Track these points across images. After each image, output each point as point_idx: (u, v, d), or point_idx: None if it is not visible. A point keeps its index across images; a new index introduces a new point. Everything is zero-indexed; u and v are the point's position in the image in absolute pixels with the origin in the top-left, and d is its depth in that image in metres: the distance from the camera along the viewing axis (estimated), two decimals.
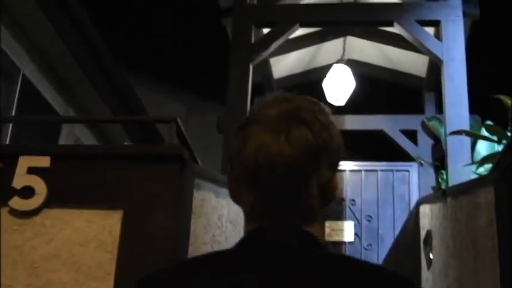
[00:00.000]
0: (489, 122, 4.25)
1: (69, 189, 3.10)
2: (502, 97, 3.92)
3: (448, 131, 5.11)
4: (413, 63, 7.46)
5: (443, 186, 5.26)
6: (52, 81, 6.91)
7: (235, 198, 1.31)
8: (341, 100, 7.00)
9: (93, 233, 3.04)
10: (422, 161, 6.55)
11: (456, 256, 4.58)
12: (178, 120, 3.29)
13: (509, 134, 3.59)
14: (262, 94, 7.87)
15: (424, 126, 7.21)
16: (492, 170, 3.43)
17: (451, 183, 4.85)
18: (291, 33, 5.84)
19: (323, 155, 1.22)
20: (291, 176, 1.19)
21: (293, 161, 1.18)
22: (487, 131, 4.22)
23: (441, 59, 5.43)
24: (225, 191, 4.38)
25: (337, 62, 7.26)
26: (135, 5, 10.10)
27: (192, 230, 3.45)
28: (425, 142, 7.25)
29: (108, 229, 3.03)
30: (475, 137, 4.49)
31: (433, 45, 5.49)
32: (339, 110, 7.62)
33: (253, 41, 5.69)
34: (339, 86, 6.94)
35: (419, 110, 7.64)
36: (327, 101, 7.22)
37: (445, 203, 5.01)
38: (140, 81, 10.13)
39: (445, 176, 5.31)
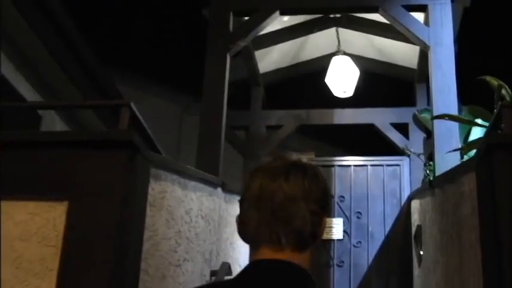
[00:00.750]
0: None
1: (10, 179, 2.85)
2: (488, 78, 3.65)
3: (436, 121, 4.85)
4: (404, 54, 7.19)
5: (431, 178, 4.98)
6: (29, 79, 6.65)
7: (241, 233, 1.56)
8: (349, 91, 6.80)
9: (36, 227, 2.80)
10: (409, 152, 6.26)
11: (443, 251, 4.32)
12: (132, 104, 3.03)
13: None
14: (248, 90, 7.62)
15: (416, 119, 6.92)
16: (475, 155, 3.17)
17: (439, 173, 4.58)
18: (271, 20, 5.58)
19: (310, 196, 1.50)
20: (286, 213, 1.47)
21: (288, 199, 1.48)
22: (470, 113, 3.95)
23: (428, 45, 5.17)
24: (194, 185, 4.12)
25: (335, 53, 7.05)
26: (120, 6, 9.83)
27: (149, 223, 3.20)
28: (417, 136, 6.99)
29: (52, 222, 2.79)
30: (458, 121, 4.22)
31: (419, 30, 5.24)
32: (328, 104, 7.37)
33: (231, 29, 5.43)
34: (343, 78, 6.72)
35: (410, 102, 7.37)
36: (323, 93, 6.98)
37: (433, 195, 4.76)
38: (134, 83, 9.92)
39: (432, 167, 5.04)
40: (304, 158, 1.64)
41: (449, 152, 4.14)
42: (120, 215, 2.76)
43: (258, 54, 7.23)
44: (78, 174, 2.82)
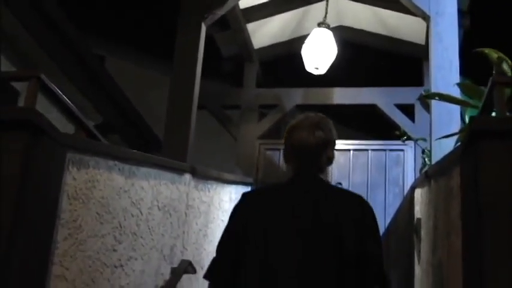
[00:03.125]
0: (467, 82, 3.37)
1: None
2: (487, 50, 3.05)
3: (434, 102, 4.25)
4: (411, 28, 6.57)
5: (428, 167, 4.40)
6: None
7: (287, 161, 2.57)
8: (322, 68, 6.11)
9: None
10: (405, 136, 5.63)
11: (435, 251, 3.76)
12: (43, 76, 2.48)
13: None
14: (241, 66, 7.06)
15: (422, 100, 6.27)
16: None
17: (434, 162, 4.00)
18: None
19: (328, 144, 2.51)
20: (313, 151, 2.48)
21: (314, 146, 2.47)
22: (462, 91, 3.35)
23: (428, 14, 4.55)
24: (146, 171, 3.58)
25: (319, 25, 6.31)
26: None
27: (67, 219, 2.66)
28: (423, 118, 6.32)
29: None
30: (450, 102, 3.60)
31: None
32: (327, 82, 6.78)
33: None
34: (319, 53, 6.04)
35: (417, 82, 6.73)
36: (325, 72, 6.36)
37: (430, 186, 4.19)
38: (137, 60, 9.46)
39: (429, 155, 4.45)
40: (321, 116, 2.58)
41: (442, 137, 3.54)
42: (13, 213, 2.23)
43: (252, 27, 6.65)
44: None
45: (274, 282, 2.26)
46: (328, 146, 2.50)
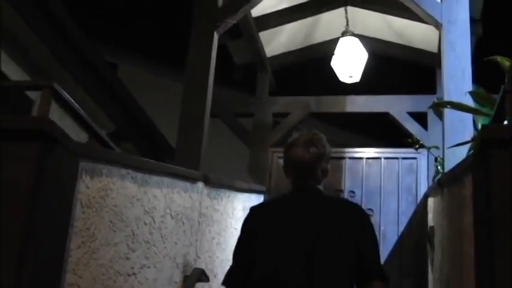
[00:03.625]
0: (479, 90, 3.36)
1: None
2: (499, 58, 3.05)
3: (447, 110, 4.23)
4: (424, 36, 6.55)
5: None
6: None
7: (287, 175, 2.86)
8: (356, 76, 6.14)
9: None
10: (417, 144, 5.59)
11: (449, 262, 3.74)
12: (56, 85, 2.50)
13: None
14: (254, 75, 7.07)
15: (435, 108, 6.24)
16: None
17: (447, 170, 3.98)
18: None
19: (322, 158, 2.79)
20: (308, 166, 2.77)
21: (309, 161, 2.76)
22: (474, 100, 3.33)
23: (440, 22, 4.53)
24: (159, 180, 3.60)
25: (343, 34, 6.36)
26: None
27: (80, 228, 2.68)
28: (436, 126, 6.31)
29: None
30: (462, 110, 3.59)
31: (430, 5, 4.59)
32: (340, 90, 6.78)
33: (220, 5, 4.87)
34: (350, 61, 6.07)
35: (430, 89, 6.70)
36: (336, 78, 6.37)
37: (442, 195, 4.17)
38: (143, 64, 9.48)
39: (442, 163, 4.43)
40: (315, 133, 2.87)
41: (454, 146, 3.53)
42: (26, 222, 2.25)
43: (264, 35, 6.66)
44: None
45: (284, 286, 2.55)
46: (322, 160, 2.79)
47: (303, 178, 2.78)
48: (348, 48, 6.18)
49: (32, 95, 5.85)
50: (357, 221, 2.68)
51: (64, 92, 2.52)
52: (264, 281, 2.58)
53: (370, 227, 2.71)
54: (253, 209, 2.87)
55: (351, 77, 6.15)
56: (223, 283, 2.72)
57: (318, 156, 2.76)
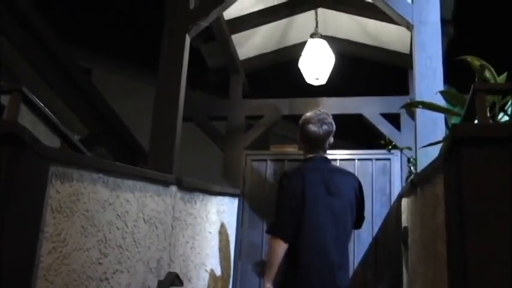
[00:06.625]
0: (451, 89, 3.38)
1: None
2: (470, 58, 3.07)
3: (419, 110, 4.25)
4: (397, 37, 6.59)
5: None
6: None
7: (301, 143, 3.99)
8: (322, 78, 6.13)
9: None
10: (390, 146, 5.61)
11: (422, 261, 3.75)
12: (25, 89, 2.46)
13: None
14: (227, 78, 7.06)
15: (407, 109, 6.28)
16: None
17: (420, 170, 4.00)
18: None
19: (330, 134, 3.92)
20: (321, 140, 3.89)
21: (322, 137, 3.88)
22: (445, 99, 3.36)
23: (411, 24, 4.56)
24: (131, 184, 3.56)
25: (311, 36, 6.36)
26: None
27: (51, 233, 2.64)
28: (409, 127, 6.34)
29: None
30: (433, 110, 3.61)
31: (401, 6, 4.62)
32: (313, 92, 6.78)
33: (191, 7, 4.84)
34: (317, 63, 6.06)
35: (403, 91, 6.74)
36: (304, 81, 6.38)
37: (416, 195, 4.20)
38: (123, 70, 9.39)
39: (414, 163, 4.44)
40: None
41: (426, 146, 3.55)
42: None
43: (237, 38, 6.65)
44: None
45: (322, 231, 3.67)
46: (331, 135, 3.92)
47: (316, 149, 3.87)
48: (315, 50, 6.18)
49: (5, 100, 5.78)
50: (357, 185, 3.91)
51: (33, 96, 2.48)
52: (312, 229, 3.63)
53: (362, 190, 3.96)
54: (291, 174, 3.83)
55: (317, 79, 6.15)
56: (276, 233, 3.64)
57: (328, 133, 3.87)
